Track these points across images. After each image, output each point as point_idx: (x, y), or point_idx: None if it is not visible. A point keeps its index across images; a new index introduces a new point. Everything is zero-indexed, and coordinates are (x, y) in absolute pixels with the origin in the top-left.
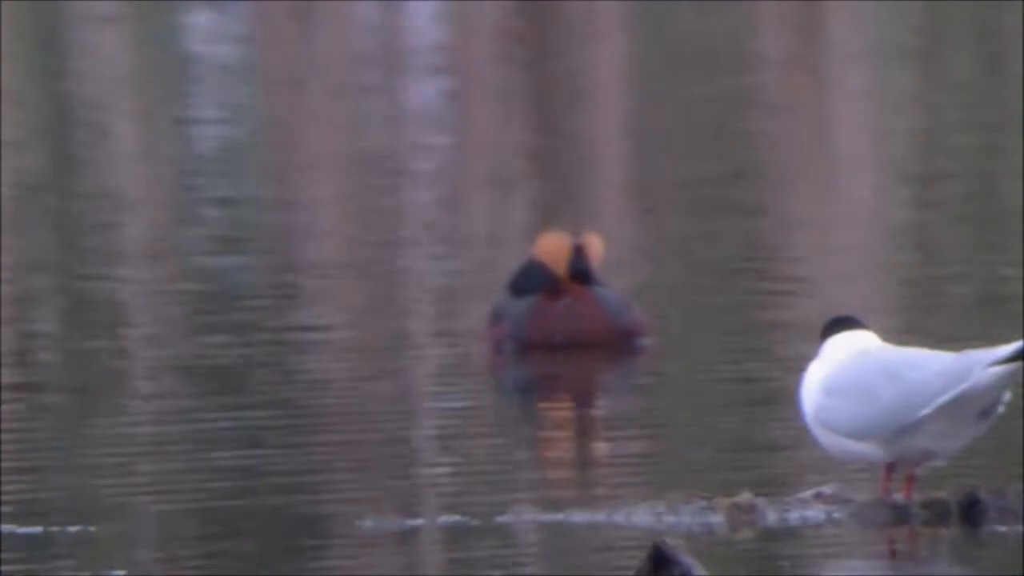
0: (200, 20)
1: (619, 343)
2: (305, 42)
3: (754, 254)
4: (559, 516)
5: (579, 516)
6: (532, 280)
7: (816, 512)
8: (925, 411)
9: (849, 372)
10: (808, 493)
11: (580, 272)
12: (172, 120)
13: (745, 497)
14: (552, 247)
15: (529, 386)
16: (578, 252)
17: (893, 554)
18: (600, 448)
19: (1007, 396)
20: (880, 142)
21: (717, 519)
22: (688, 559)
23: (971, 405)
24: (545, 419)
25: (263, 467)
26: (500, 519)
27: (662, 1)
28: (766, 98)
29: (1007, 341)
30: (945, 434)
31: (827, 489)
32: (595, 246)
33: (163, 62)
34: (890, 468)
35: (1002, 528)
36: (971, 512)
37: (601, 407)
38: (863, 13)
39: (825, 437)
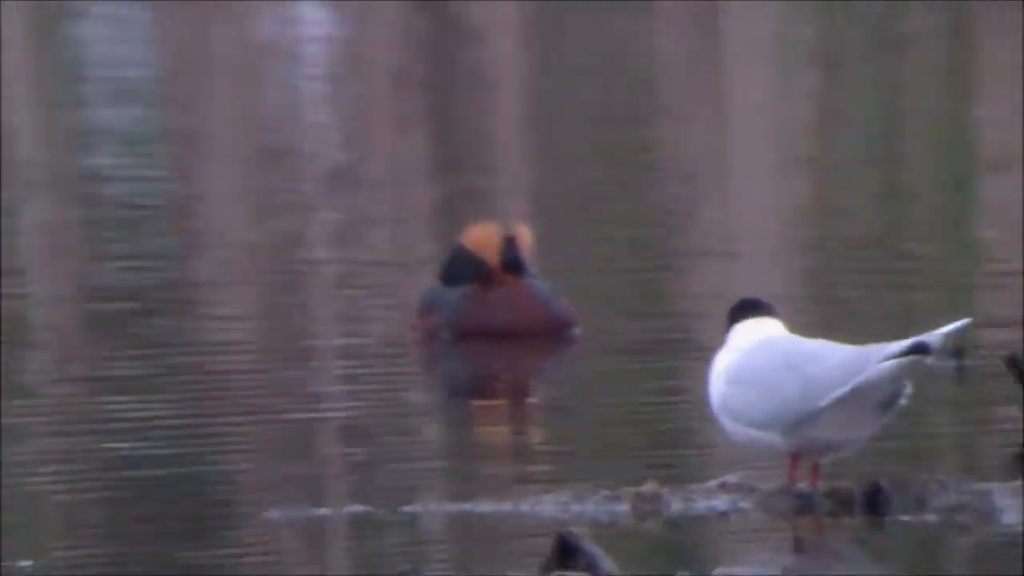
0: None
1: (553, 333)
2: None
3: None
4: (465, 506)
5: (485, 506)
6: (464, 270)
7: (721, 501)
8: (823, 402)
9: (752, 362)
10: (713, 483)
11: (513, 262)
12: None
13: (650, 487)
14: (483, 237)
15: (451, 376)
16: (509, 242)
17: (797, 543)
18: (510, 438)
19: (908, 389)
20: (778, 137)
21: (622, 508)
22: (593, 548)
23: (869, 397)
24: (461, 409)
25: (169, 457)
26: (406, 509)
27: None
28: (665, 103)
29: (908, 321)
30: (846, 425)
31: (732, 478)
32: (525, 237)
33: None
34: (795, 457)
35: (905, 517)
36: (875, 501)
37: (519, 398)
38: (760, 12)
39: (730, 426)
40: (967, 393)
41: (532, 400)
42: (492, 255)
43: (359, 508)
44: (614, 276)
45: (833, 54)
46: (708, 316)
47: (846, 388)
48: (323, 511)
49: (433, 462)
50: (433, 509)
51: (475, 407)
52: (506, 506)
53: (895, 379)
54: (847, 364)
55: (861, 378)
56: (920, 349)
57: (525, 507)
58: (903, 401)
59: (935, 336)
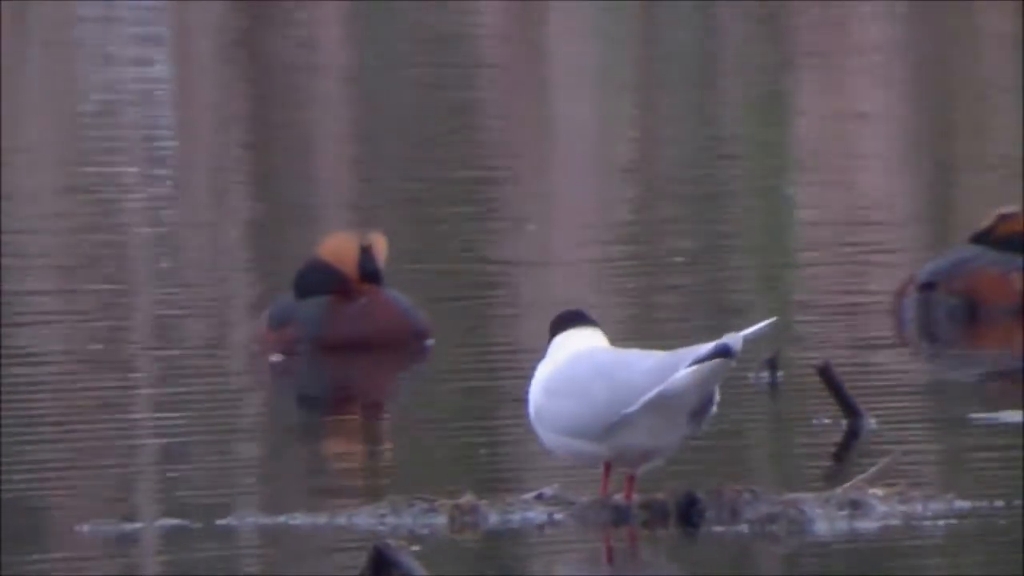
0: None
1: (411, 344)
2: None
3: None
4: (281, 518)
5: (301, 518)
6: (319, 281)
7: (537, 513)
8: (631, 408)
9: (567, 372)
10: (530, 494)
11: (371, 273)
12: None
13: (467, 498)
14: (340, 247)
15: (279, 388)
16: (366, 252)
17: (612, 554)
18: (329, 451)
19: (717, 396)
20: (601, 131)
21: (439, 520)
22: (409, 560)
23: (678, 403)
24: (288, 421)
25: None
26: (221, 522)
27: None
28: (491, 98)
29: (727, 329)
30: (657, 432)
31: (549, 490)
32: (381, 246)
33: None
34: (608, 467)
35: (719, 528)
36: (689, 512)
37: (353, 409)
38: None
39: (546, 436)
40: (780, 403)
41: (357, 413)
42: (349, 265)
43: (173, 522)
44: (448, 285)
45: (657, 53)
46: (534, 327)
47: (653, 393)
48: (136, 525)
49: (249, 475)
50: (248, 522)
51: (305, 420)
52: (322, 518)
53: (703, 383)
54: (655, 370)
55: (668, 383)
56: (722, 352)
57: (341, 519)
58: (714, 409)
59: (737, 338)
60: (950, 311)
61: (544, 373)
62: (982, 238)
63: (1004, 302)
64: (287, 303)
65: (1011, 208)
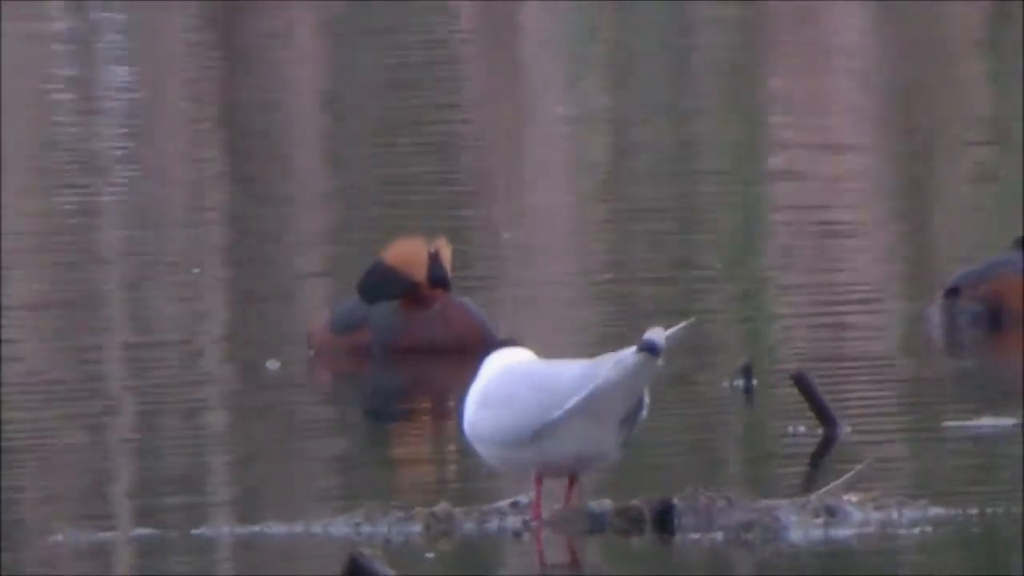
0: None
1: (486, 350)
2: None
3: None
4: (256, 527)
5: (277, 527)
6: (388, 286)
7: (513, 521)
8: (559, 413)
9: (497, 383)
10: (505, 503)
11: (440, 278)
12: None
13: (442, 507)
14: (409, 253)
15: (259, 392)
16: (435, 258)
17: (587, 562)
18: (306, 457)
19: (647, 400)
20: (573, 142)
21: (415, 529)
22: (384, 568)
23: (607, 406)
24: (269, 429)
25: None
26: (196, 531)
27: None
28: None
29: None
30: (587, 438)
31: (524, 499)
32: (447, 252)
33: None
34: (539, 478)
35: (694, 535)
36: (664, 519)
37: (337, 416)
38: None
39: (481, 448)
40: (755, 410)
41: (340, 420)
42: (419, 271)
43: (148, 531)
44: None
45: (627, 53)
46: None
47: (580, 396)
48: (110, 534)
49: (226, 483)
50: (224, 531)
51: (280, 426)
52: (298, 527)
53: (628, 381)
54: (583, 374)
55: (595, 383)
56: (647, 348)
57: (317, 528)
58: (644, 414)
59: (660, 335)
60: (973, 317)
61: (476, 386)
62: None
63: None
64: (353, 307)
65: None
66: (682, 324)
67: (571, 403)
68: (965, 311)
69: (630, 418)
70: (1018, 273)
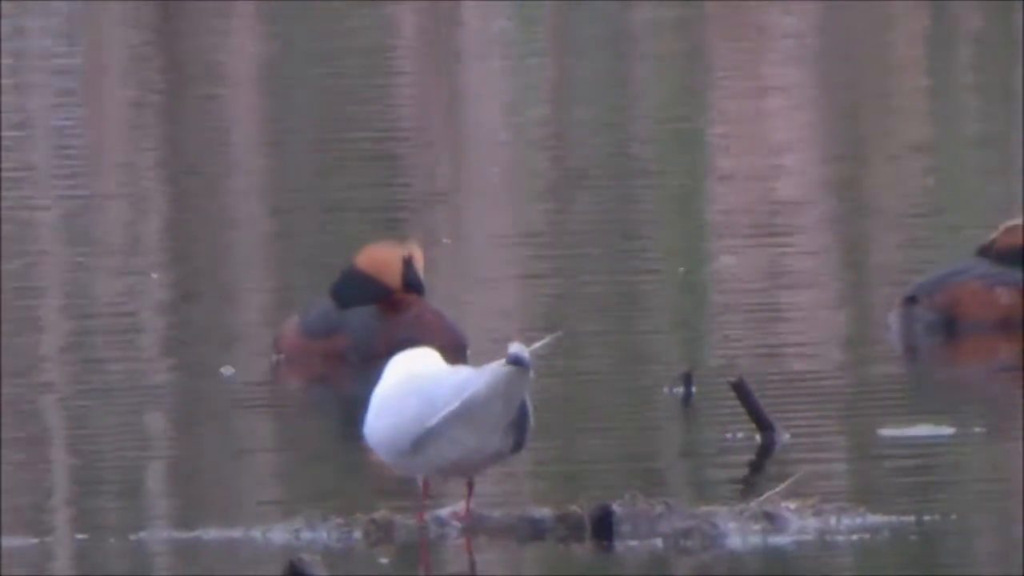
0: None
1: (457, 354)
2: None
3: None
4: (195, 533)
5: (216, 533)
6: (362, 291)
7: (452, 528)
8: (435, 421)
9: (388, 392)
10: (446, 510)
11: (415, 284)
12: None
13: (382, 514)
14: (382, 258)
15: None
16: (409, 264)
17: (525, 569)
18: (247, 463)
19: (530, 406)
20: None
21: (355, 535)
22: (324, 574)
23: (482, 414)
24: (210, 434)
25: None
26: (134, 536)
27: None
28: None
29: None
30: (467, 445)
31: (462, 506)
32: (420, 257)
33: None
34: (426, 483)
35: (634, 542)
36: (604, 526)
37: (282, 422)
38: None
39: (376, 453)
40: (694, 417)
41: (285, 426)
42: (393, 276)
43: (85, 536)
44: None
45: (569, 49)
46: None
47: (455, 405)
48: (47, 539)
49: (165, 489)
50: (162, 536)
51: (220, 432)
52: (237, 533)
53: (500, 392)
54: (460, 383)
55: (467, 393)
56: (514, 361)
57: (256, 534)
58: (531, 422)
59: (523, 349)
60: (929, 325)
61: (376, 395)
62: (985, 251)
63: (985, 316)
64: (326, 312)
65: (1016, 220)
66: (546, 339)
67: (446, 412)
68: (922, 319)
69: (516, 423)
70: (975, 281)
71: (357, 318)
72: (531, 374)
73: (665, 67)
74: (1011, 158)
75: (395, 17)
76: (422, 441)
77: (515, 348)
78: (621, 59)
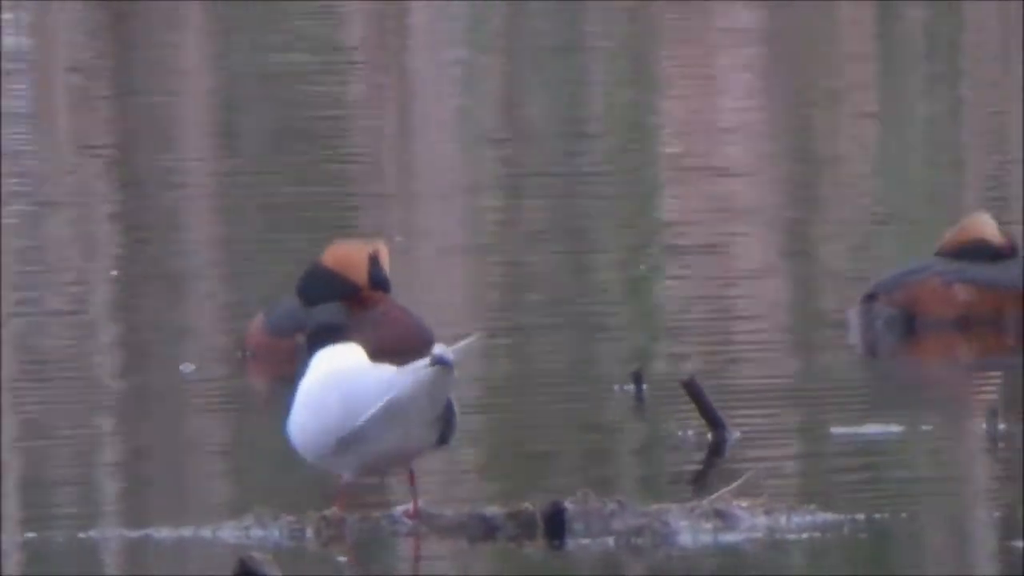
0: None
1: (423, 351)
2: None
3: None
4: (146, 531)
5: (166, 531)
6: (329, 289)
7: (404, 526)
8: (360, 420)
9: (312, 390)
10: (398, 509)
11: (381, 281)
12: None
13: (333, 511)
14: (349, 256)
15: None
16: (375, 261)
17: (477, 567)
18: (198, 461)
19: (456, 407)
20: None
21: (306, 533)
22: (275, 573)
23: (407, 413)
24: (160, 432)
25: None
26: (84, 535)
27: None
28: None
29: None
30: (392, 442)
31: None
32: (385, 254)
33: None
34: (348, 484)
35: (586, 541)
36: (556, 524)
37: (234, 421)
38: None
39: (303, 452)
40: (645, 416)
41: (236, 424)
42: (359, 273)
43: (34, 535)
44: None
45: (522, 49)
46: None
47: (379, 404)
48: None
49: (116, 487)
50: (112, 535)
51: (174, 426)
52: (187, 531)
53: (424, 392)
54: (385, 382)
55: (393, 393)
56: (438, 362)
57: (206, 532)
58: (456, 419)
59: (447, 350)
60: (888, 322)
61: (299, 391)
62: (943, 249)
63: (943, 313)
64: (293, 310)
65: (973, 217)
66: (468, 339)
67: (370, 412)
68: (881, 316)
69: (442, 417)
70: (933, 278)
71: (323, 315)
72: (455, 373)
73: (616, 66)
74: (962, 153)
75: (345, 16)
76: (348, 439)
77: (439, 349)
78: (572, 59)
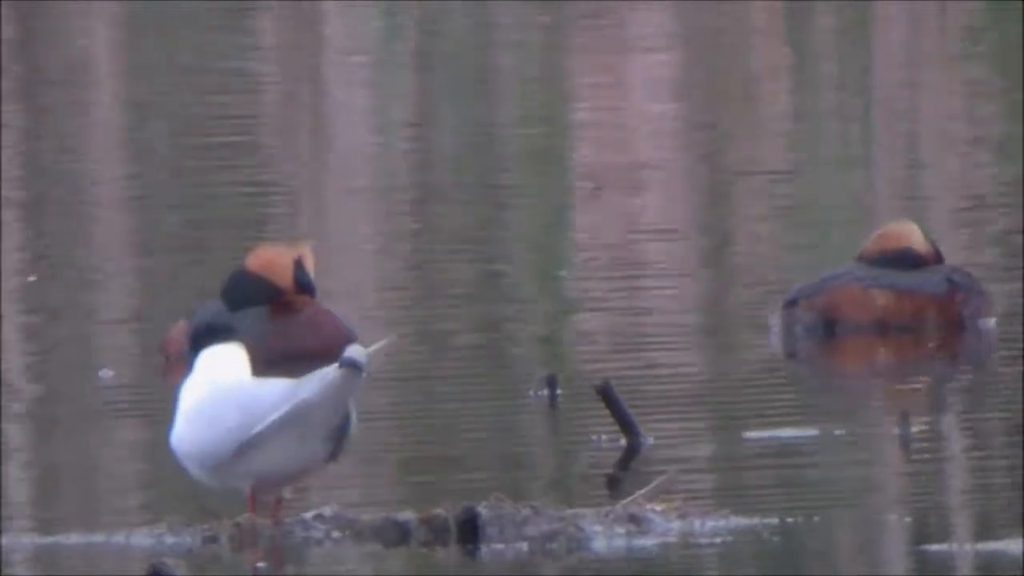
0: None
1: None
2: None
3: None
4: (55, 538)
5: (76, 538)
6: (253, 293)
7: (317, 532)
8: (260, 428)
9: (201, 399)
10: (310, 514)
11: (307, 285)
12: None
13: (246, 518)
14: (273, 259)
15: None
16: (300, 265)
17: (389, 572)
18: (112, 467)
19: (354, 416)
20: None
21: (219, 540)
22: None
23: (310, 421)
24: (71, 436)
25: None
26: None
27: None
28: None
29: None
30: (289, 454)
31: (328, 510)
32: (310, 258)
33: None
34: (253, 495)
35: (500, 546)
36: (469, 529)
37: (153, 425)
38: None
39: (187, 463)
40: (559, 421)
41: (155, 429)
42: (285, 277)
43: None
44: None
45: (433, 54)
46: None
47: (282, 411)
48: None
49: (25, 491)
50: (21, 542)
51: (88, 432)
52: (98, 537)
53: (331, 396)
54: (286, 390)
55: (297, 399)
56: (347, 364)
57: (119, 538)
58: (352, 430)
59: (360, 352)
60: (808, 327)
61: (183, 398)
62: (863, 255)
63: (861, 318)
64: (216, 315)
65: (898, 224)
66: (382, 343)
67: (272, 420)
68: (801, 321)
69: (338, 430)
70: (852, 284)
71: (249, 321)
72: (364, 376)
73: (530, 71)
74: (875, 155)
75: (256, 22)
76: (244, 450)
77: (351, 351)
78: (486, 64)
